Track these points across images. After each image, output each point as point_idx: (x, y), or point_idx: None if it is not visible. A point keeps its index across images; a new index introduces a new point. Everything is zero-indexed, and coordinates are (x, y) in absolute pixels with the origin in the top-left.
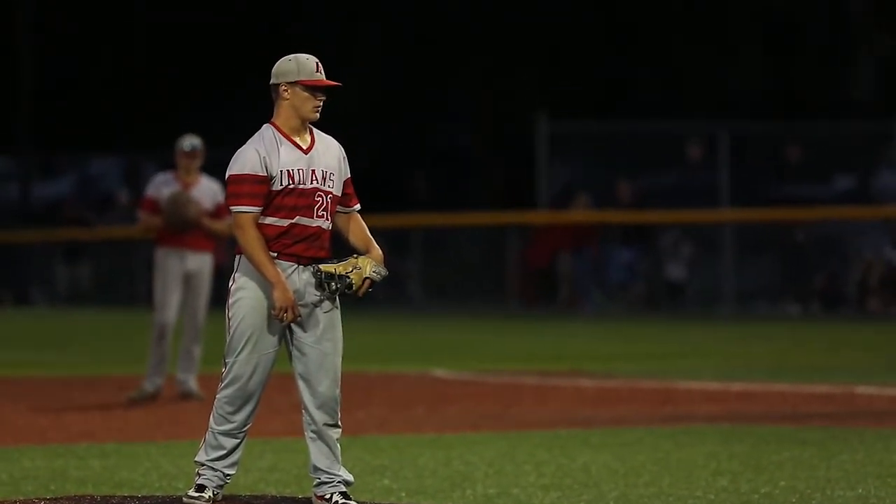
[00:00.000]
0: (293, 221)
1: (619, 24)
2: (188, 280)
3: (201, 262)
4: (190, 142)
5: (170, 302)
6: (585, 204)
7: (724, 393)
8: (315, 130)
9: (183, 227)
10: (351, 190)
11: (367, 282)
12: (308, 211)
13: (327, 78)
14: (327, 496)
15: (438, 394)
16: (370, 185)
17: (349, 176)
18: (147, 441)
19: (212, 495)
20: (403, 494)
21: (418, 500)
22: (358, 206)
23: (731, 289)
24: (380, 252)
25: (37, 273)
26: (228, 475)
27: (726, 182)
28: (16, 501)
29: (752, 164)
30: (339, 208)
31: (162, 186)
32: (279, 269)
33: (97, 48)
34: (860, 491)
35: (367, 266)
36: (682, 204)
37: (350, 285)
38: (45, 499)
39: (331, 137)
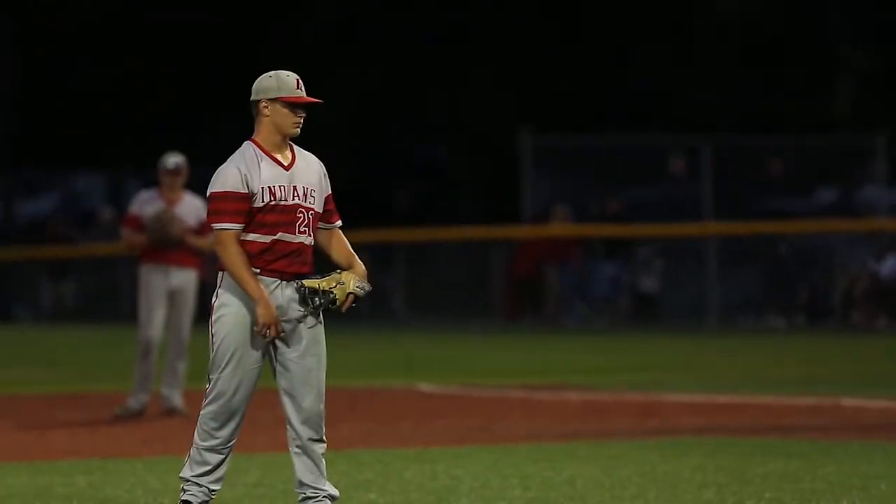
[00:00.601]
0: (275, 238)
1: (602, 38)
2: (172, 296)
3: (185, 279)
4: (173, 160)
5: (154, 318)
6: (564, 217)
7: (710, 405)
8: (295, 147)
9: (167, 244)
10: (332, 206)
11: (351, 297)
12: (290, 227)
13: (308, 95)
14: None
15: (424, 408)
16: (354, 199)
17: (330, 192)
18: (132, 457)
19: None
20: None
21: None
22: (339, 223)
23: (716, 302)
24: (363, 267)
25: (21, 290)
26: (214, 490)
27: (709, 195)
28: None
29: (735, 177)
30: (320, 225)
31: (145, 204)
32: (262, 285)
33: (78, 64)
34: (845, 503)
35: (351, 281)
36: (665, 217)
37: (333, 300)
38: None
39: (311, 154)
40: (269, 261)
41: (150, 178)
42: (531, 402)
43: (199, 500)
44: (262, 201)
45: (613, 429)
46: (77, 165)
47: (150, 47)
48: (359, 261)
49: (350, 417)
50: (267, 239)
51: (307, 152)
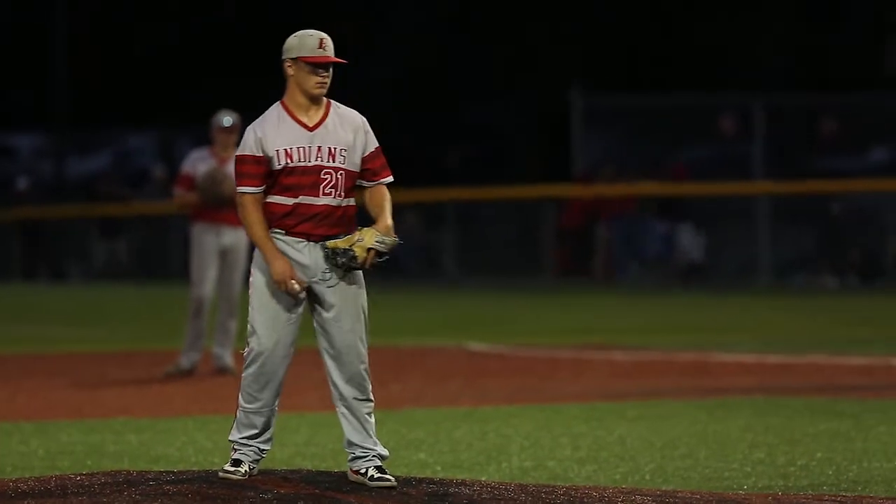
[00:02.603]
0: (297, 201)
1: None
2: (224, 255)
3: (237, 238)
4: (228, 117)
5: (206, 277)
6: (612, 175)
7: (760, 365)
8: (334, 105)
9: (219, 203)
10: (377, 163)
11: (371, 252)
12: (313, 190)
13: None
14: (362, 470)
15: (474, 367)
16: (406, 159)
17: (373, 149)
18: (183, 416)
19: (247, 469)
20: (439, 468)
21: (454, 473)
22: (385, 180)
23: (767, 261)
24: (388, 222)
25: (73, 248)
26: (263, 450)
27: (760, 155)
28: (52, 478)
29: (787, 136)
30: (364, 182)
31: (198, 162)
32: (283, 244)
33: (132, 24)
34: None
35: (369, 237)
36: (715, 176)
37: (354, 258)
38: (81, 474)
39: (352, 111)
40: (292, 224)
41: (201, 136)
42: (581, 361)
43: (250, 460)
44: (279, 164)
45: (663, 388)
46: (129, 124)
47: (202, 9)
48: (386, 215)
49: (400, 377)
50: (289, 202)
51: (348, 109)
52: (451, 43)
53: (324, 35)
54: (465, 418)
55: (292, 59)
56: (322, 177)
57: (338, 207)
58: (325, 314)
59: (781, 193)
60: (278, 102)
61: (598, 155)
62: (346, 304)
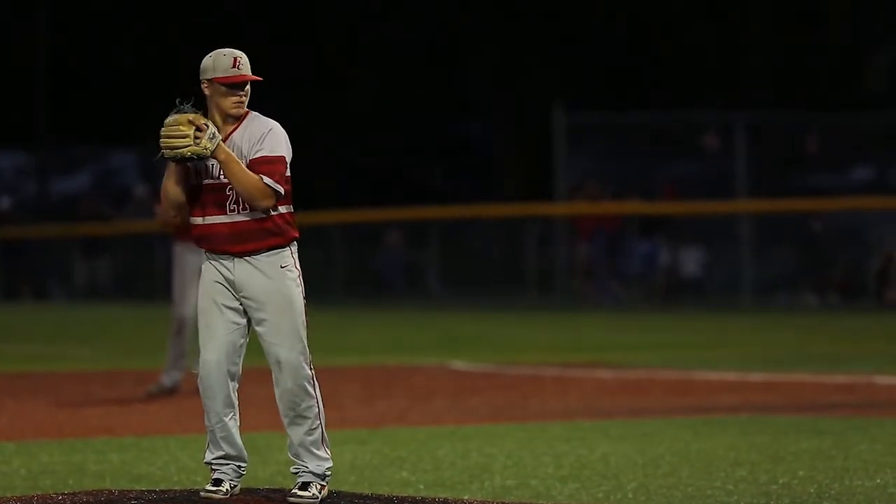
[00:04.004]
0: (209, 219)
1: (637, 14)
2: None
3: None
4: None
5: (188, 296)
6: (593, 192)
7: (744, 383)
8: (249, 118)
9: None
10: (263, 168)
11: (191, 148)
12: (220, 207)
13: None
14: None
15: (457, 386)
16: (389, 176)
17: (265, 155)
18: (165, 435)
19: (229, 488)
20: (422, 486)
21: (437, 491)
22: (266, 179)
23: (750, 279)
24: (227, 160)
25: (55, 268)
26: (242, 468)
27: (743, 172)
28: (34, 497)
29: (769, 154)
30: None
31: None
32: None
33: (113, 42)
34: (878, 481)
35: (206, 141)
36: (698, 195)
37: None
38: (63, 493)
39: (266, 122)
40: (204, 244)
41: None
42: (565, 379)
43: (230, 478)
44: (192, 181)
45: (647, 407)
46: (111, 143)
47: (183, 25)
48: (236, 164)
49: (384, 395)
50: (199, 220)
51: (262, 121)
52: (434, 60)
53: (238, 53)
54: (448, 437)
55: (208, 80)
56: (228, 193)
57: (249, 221)
58: (257, 329)
59: (763, 211)
60: None
61: (581, 174)
62: (268, 318)
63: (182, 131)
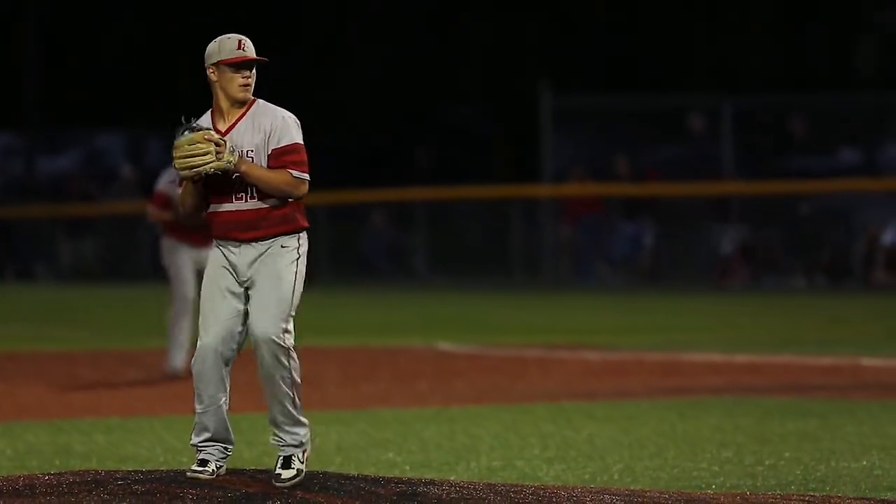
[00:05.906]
0: (216, 207)
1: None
2: (199, 274)
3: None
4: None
5: (186, 277)
6: (581, 176)
7: (729, 365)
8: (256, 105)
9: (196, 227)
10: (286, 158)
11: (213, 164)
12: (226, 196)
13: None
14: (278, 461)
15: (443, 367)
16: (375, 157)
17: (285, 145)
18: (151, 416)
19: (215, 469)
20: (408, 467)
21: (423, 473)
22: (294, 172)
23: (736, 261)
24: (248, 169)
25: (41, 248)
26: (228, 449)
27: (730, 155)
28: (20, 477)
29: (756, 136)
30: None
31: (174, 185)
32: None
33: (102, 24)
34: (864, 463)
35: (225, 158)
36: (685, 177)
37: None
38: (49, 474)
39: (275, 110)
40: (215, 230)
41: (171, 137)
42: (550, 361)
43: (216, 458)
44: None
45: (633, 388)
46: (98, 123)
47: (174, 7)
48: (259, 168)
49: (369, 376)
50: (211, 208)
51: (270, 108)
52: (422, 44)
53: (242, 37)
54: (434, 418)
55: (213, 64)
56: (233, 182)
57: (255, 210)
58: (248, 306)
59: (750, 193)
60: (208, 111)
61: (567, 156)
62: (263, 293)
63: (202, 148)
